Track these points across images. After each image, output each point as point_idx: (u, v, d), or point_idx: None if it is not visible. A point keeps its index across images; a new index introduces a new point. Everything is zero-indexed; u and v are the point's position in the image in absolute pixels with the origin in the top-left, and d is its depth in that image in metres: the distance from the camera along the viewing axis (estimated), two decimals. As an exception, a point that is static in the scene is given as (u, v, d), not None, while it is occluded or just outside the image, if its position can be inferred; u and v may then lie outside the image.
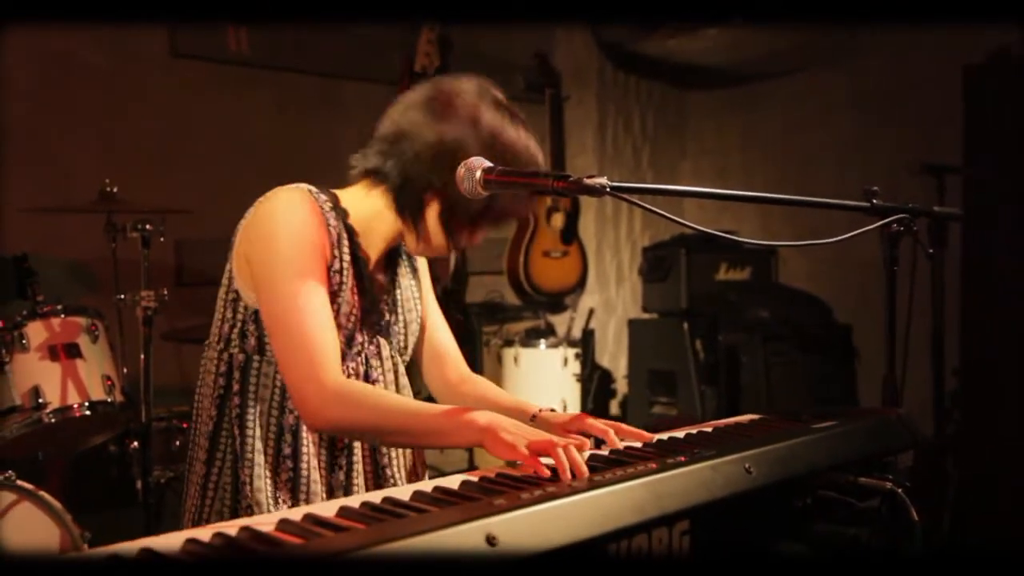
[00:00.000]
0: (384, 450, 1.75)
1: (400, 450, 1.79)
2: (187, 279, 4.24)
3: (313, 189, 1.69)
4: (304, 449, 1.66)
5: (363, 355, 1.73)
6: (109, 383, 2.97)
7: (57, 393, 2.84)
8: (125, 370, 3.17)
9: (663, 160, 6.26)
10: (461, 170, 1.55)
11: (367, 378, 1.73)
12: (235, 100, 4.45)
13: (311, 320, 1.58)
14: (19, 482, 2.60)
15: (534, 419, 1.75)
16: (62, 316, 2.92)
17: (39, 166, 3.88)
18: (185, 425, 3.59)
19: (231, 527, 1.07)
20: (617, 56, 5.86)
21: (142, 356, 3.14)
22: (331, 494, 1.68)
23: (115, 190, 3.26)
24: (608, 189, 1.44)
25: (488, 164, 1.54)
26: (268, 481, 1.65)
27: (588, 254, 5.57)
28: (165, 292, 3.16)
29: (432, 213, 1.70)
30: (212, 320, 1.73)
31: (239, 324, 1.68)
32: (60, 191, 3.58)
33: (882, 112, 5.06)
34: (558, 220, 5.32)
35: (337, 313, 1.66)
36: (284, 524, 1.09)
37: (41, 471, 3.18)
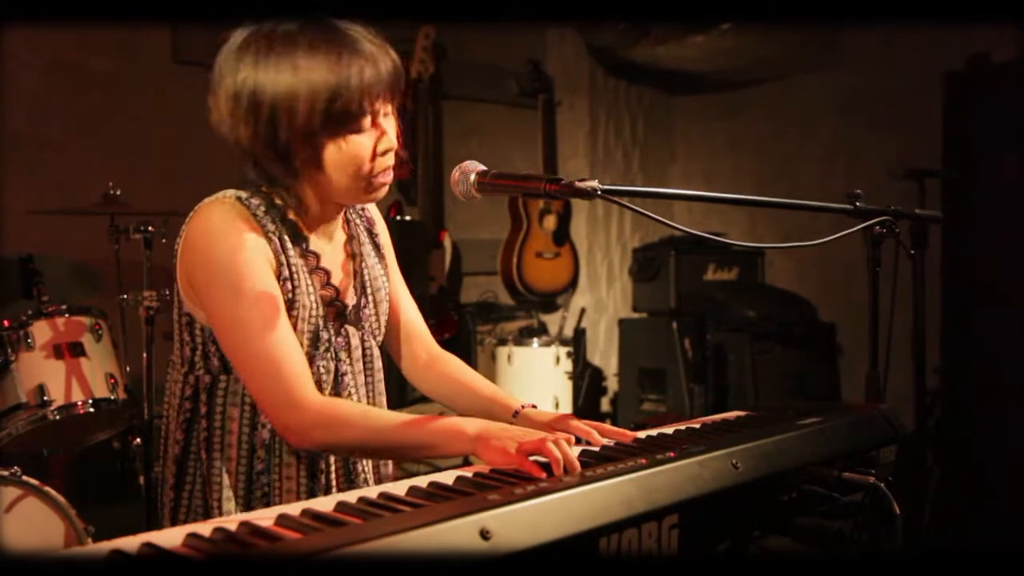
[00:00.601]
0: None
1: None
2: (189, 279, 4.23)
3: (243, 195, 1.56)
4: (277, 461, 1.59)
5: (331, 350, 1.63)
6: (112, 381, 2.97)
7: (62, 391, 2.84)
8: (128, 368, 3.16)
9: (653, 164, 6.27)
10: (456, 174, 1.55)
11: (337, 373, 1.64)
12: (236, 105, 4.44)
13: (275, 342, 1.49)
14: (25, 477, 2.59)
15: (516, 415, 1.70)
16: (66, 316, 2.92)
17: (44, 170, 3.87)
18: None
19: (231, 522, 1.07)
20: (607, 62, 5.86)
21: (144, 355, 3.13)
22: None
23: (118, 193, 3.25)
24: (599, 192, 1.44)
25: (481, 168, 1.54)
26: (239, 502, 1.58)
27: (580, 255, 5.58)
28: (167, 292, 3.15)
29: (286, 162, 1.54)
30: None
31: (199, 346, 1.59)
32: (64, 194, 3.57)
33: (865, 117, 5.07)
34: (550, 222, 5.32)
35: (297, 319, 1.57)
36: (283, 519, 1.09)
37: (46, 467, 3.17)
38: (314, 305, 1.60)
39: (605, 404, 5.67)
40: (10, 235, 3.55)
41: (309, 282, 1.60)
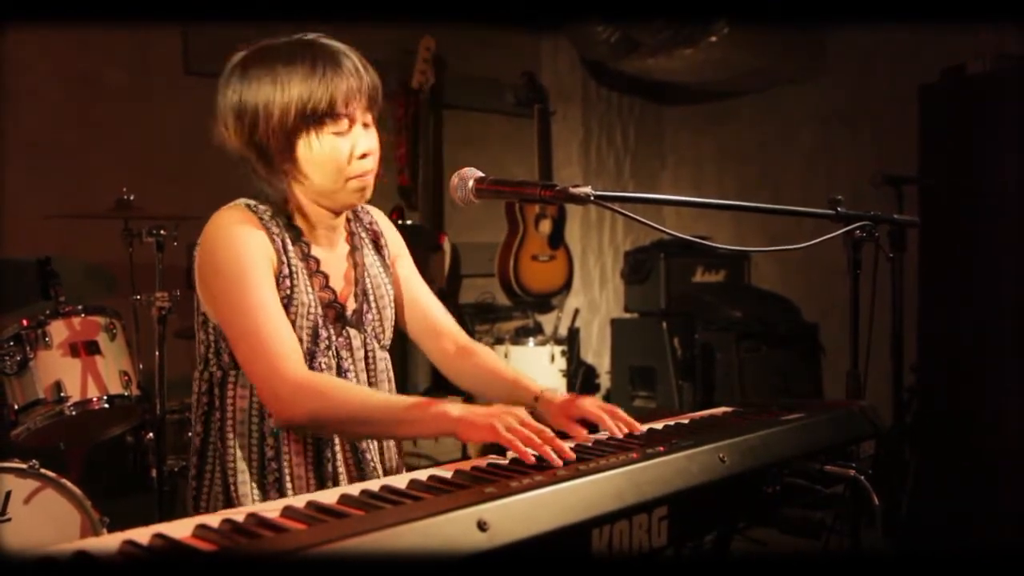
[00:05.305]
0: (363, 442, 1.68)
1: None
2: (199, 281, 4.22)
3: (251, 203, 1.63)
4: (286, 448, 1.61)
5: (332, 348, 1.65)
6: (126, 378, 2.96)
7: (77, 387, 2.83)
8: (141, 366, 3.15)
9: (643, 170, 6.26)
10: (455, 180, 1.55)
11: (339, 371, 1.66)
12: (245, 114, 4.44)
13: (264, 319, 1.52)
14: (43, 470, 2.60)
15: (537, 399, 1.68)
16: (82, 315, 2.92)
17: (61, 176, 3.87)
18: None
19: (239, 514, 1.07)
20: (600, 74, 5.86)
21: (157, 353, 3.13)
22: (321, 486, 1.62)
23: (132, 198, 3.25)
24: (592, 197, 1.44)
25: (479, 174, 1.54)
26: (254, 487, 1.61)
27: (574, 258, 5.57)
28: (178, 293, 3.15)
29: (273, 163, 1.61)
30: None
31: (212, 344, 1.64)
32: (81, 199, 3.56)
33: (846, 127, 5.08)
34: (546, 226, 5.32)
35: (296, 315, 1.59)
36: (288, 511, 1.09)
37: (63, 460, 3.16)
38: (313, 303, 1.63)
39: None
40: (29, 238, 3.54)
41: (308, 283, 1.64)
